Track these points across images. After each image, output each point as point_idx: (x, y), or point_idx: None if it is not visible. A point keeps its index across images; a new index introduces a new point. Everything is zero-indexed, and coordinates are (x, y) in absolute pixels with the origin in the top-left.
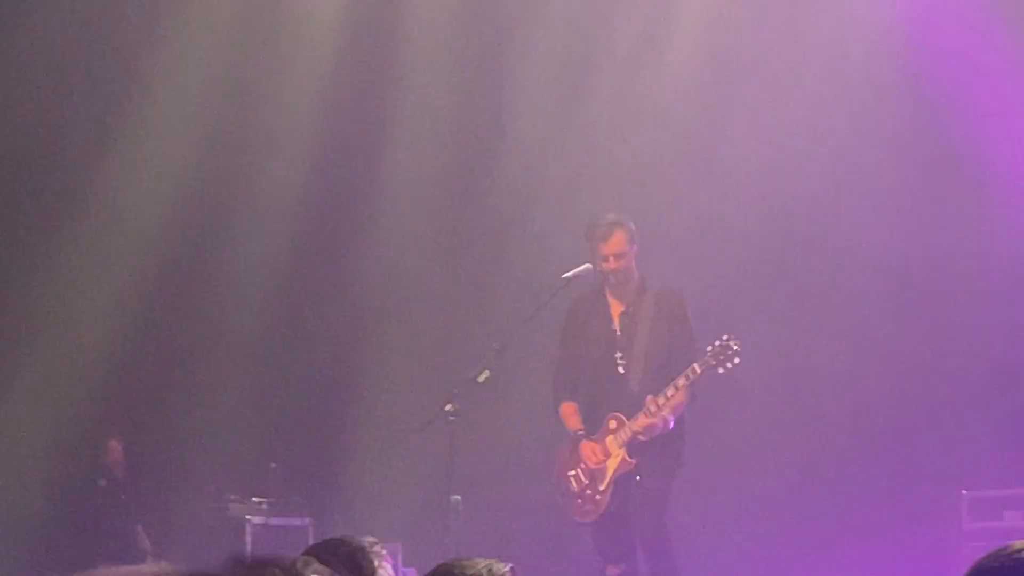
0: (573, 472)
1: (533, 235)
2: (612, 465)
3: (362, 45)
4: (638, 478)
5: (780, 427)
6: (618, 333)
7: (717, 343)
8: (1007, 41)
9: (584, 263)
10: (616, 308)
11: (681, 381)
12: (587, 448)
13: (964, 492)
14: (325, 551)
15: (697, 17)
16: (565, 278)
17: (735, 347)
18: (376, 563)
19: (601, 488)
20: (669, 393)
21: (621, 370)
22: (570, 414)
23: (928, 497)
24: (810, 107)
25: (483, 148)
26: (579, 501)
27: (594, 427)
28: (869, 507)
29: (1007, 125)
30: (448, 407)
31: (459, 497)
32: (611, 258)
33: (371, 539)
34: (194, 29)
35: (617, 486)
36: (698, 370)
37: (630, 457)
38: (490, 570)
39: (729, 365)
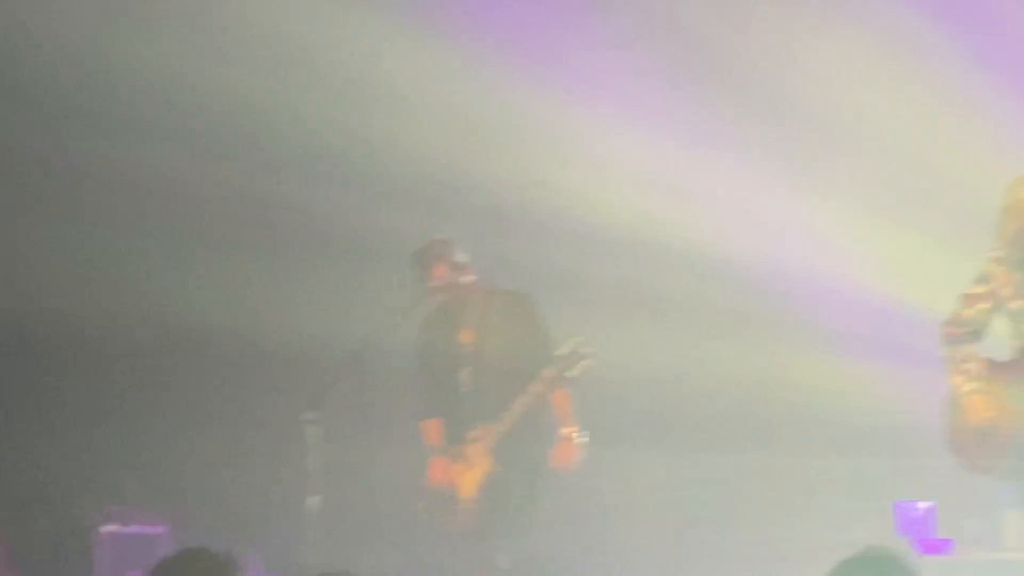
0: (434, 487)
1: (399, 239)
2: (474, 476)
3: None
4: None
5: (648, 430)
6: (466, 349)
7: (565, 349)
8: None
9: None
10: (462, 323)
11: (530, 389)
12: (439, 464)
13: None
14: (181, 565)
15: None
16: (429, 287)
17: (583, 351)
18: None
19: (464, 499)
20: (524, 400)
21: (472, 380)
22: (432, 430)
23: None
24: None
25: (347, 148)
26: (446, 516)
27: (454, 440)
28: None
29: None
30: (307, 412)
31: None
32: (435, 290)
33: (231, 549)
34: None
35: (485, 494)
36: (547, 376)
37: (495, 464)
38: None
39: (577, 371)
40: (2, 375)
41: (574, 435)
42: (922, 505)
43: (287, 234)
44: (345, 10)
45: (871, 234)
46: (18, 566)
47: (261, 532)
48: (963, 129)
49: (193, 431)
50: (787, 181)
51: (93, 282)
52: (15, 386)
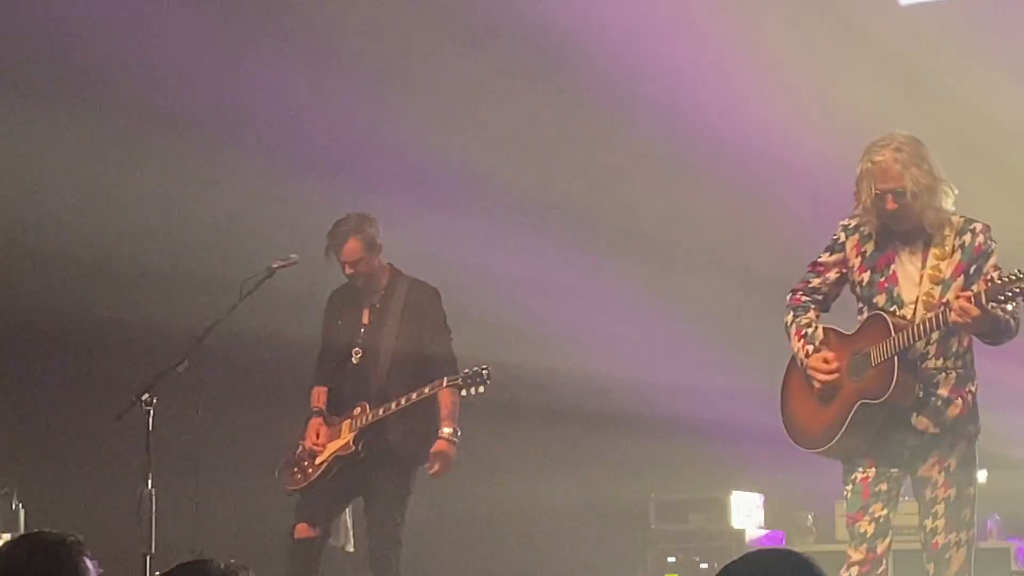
0: (301, 443)
1: (246, 226)
2: (333, 447)
3: None
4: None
5: (479, 429)
6: (364, 328)
7: (475, 368)
8: None
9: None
10: (366, 302)
11: (426, 390)
12: (314, 426)
13: (652, 495)
14: (20, 549)
15: None
16: (271, 268)
17: (485, 374)
18: (78, 561)
19: (316, 462)
20: (414, 396)
21: (364, 363)
22: (315, 396)
23: (620, 499)
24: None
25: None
26: (294, 470)
27: (339, 411)
28: (567, 506)
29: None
30: (144, 396)
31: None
32: (346, 265)
33: (73, 535)
34: None
35: (332, 465)
36: (444, 384)
37: (354, 444)
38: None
39: (474, 391)
40: None
41: (454, 435)
42: (754, 495)
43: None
44: None
45: None
46: None
47: (98, 516)
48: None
49: (28, 410)
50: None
51: None
52: None
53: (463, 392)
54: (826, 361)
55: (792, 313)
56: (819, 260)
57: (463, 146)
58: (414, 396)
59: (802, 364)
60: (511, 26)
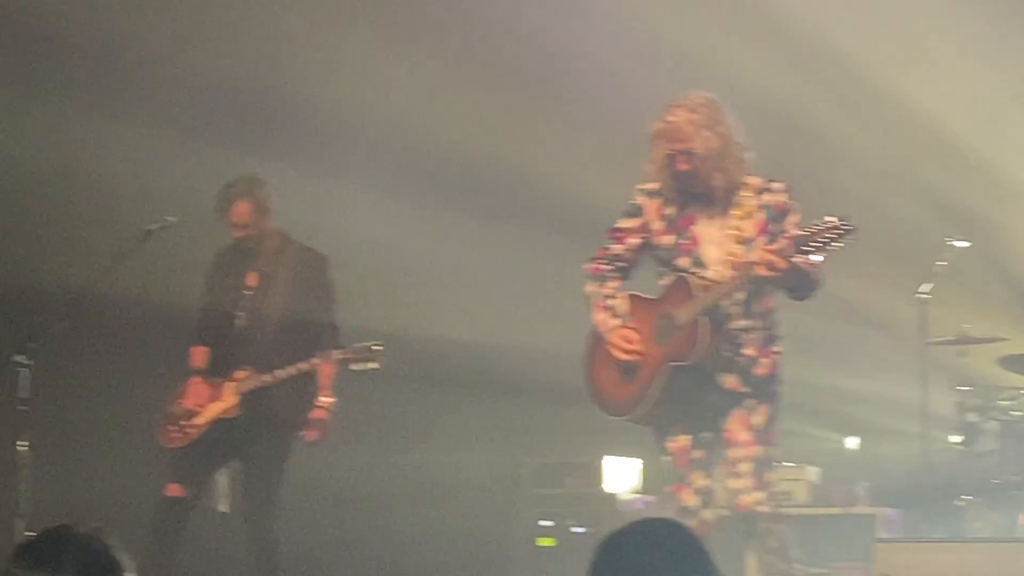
0: (179, 401)
1: (126, 189)
2: (216, 408)
3: None
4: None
5: (355, 397)
6: (250, 291)
7: (364, 344)
8: None
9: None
10: (253, 265)
11: (317, 361)
12: (195, 386)
13: (527, 460)
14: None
15: None
16: (148, 230)
17: (377, 349)
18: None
19: (196, 423)
20: (305, 366)
21: (249, 327)
22: (196, 355)
23: (496, 464)
24: None
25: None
26: (172, 428)
27: (220, 373)
28: (441, 472)
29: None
30: (19, 357)
31: None
32: (236, 227)
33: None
34: None
35: (213, 426)
36: (334, 356)
37: (239, 408)
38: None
39: (364, 366)
40: None
41: (330, 405)
42: (631, 460)
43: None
44: None
45: None
46: None
47: None
48: None
49: None
50: None
51: None
52: None
53: (353, 367)
54: (628, 340)
55: (593, 283)
56: (619, 226)
57: (352, 112)
58: (305, 366)
59: (605, 337)
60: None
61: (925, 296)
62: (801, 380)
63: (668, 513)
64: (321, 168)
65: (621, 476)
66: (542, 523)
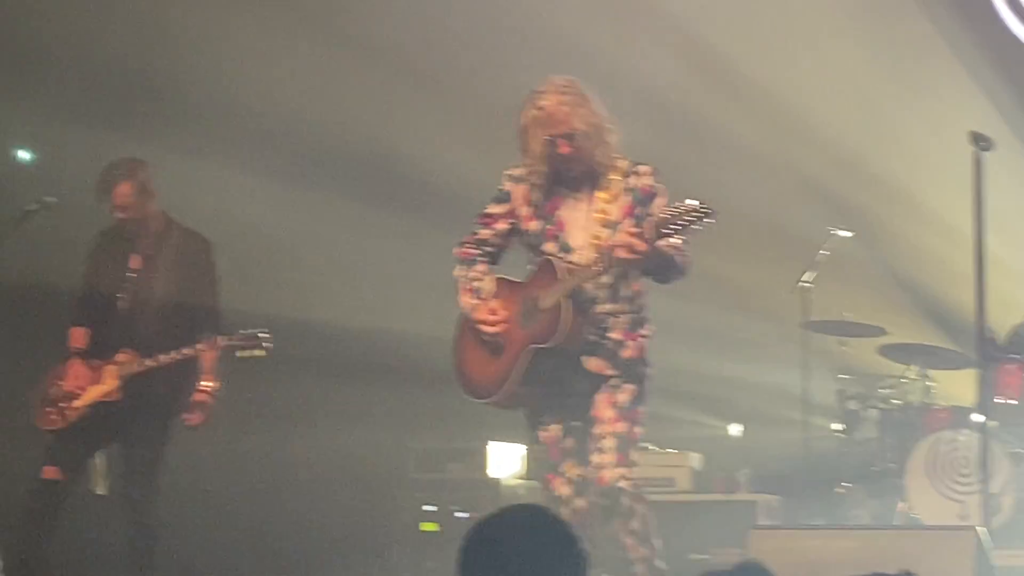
0: (58, 383)
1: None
2: (96, 391)
3: None
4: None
5: (240, 381)
6: (133, 273)
7: (249, 330)
8: None
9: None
10: (135, 248)
11: (200, 346)
12: (75, 368)
13: (412, 445)
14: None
15: None
16: (25, 211)
17: (263, 336)
18: None
19: (75, 405)
20: (189, 351)
21: (131, 309)
22: (75, 336)
23: (381, 449)
24: None
25: None
26: (50, 410)
27: (101, 355)
28: (326, 457)
29: None
30: None
31: None
32: (117, 209)
33: None
34: None
35: (93, 410)
36: (219, 343)
37: (121, 392)
38: None
39: (248, 353)
40: None
41: (212, 389)
42: (515, 446)
43: None
44: None
45: None
46: None
47: None
48: None
49: None
50: None
51: None
52: None
53: (238, 354)
54: (492, 312)
55: (460, 267)
56: (488, 211)
57: (235, 96)
58: (188, 351)
59: (470, 317)
60: None
61: (807, 284)
62: (684, 368)
63: (543, 502)
64: (204, 151)
65: (504, 462)
66: (426, 508)
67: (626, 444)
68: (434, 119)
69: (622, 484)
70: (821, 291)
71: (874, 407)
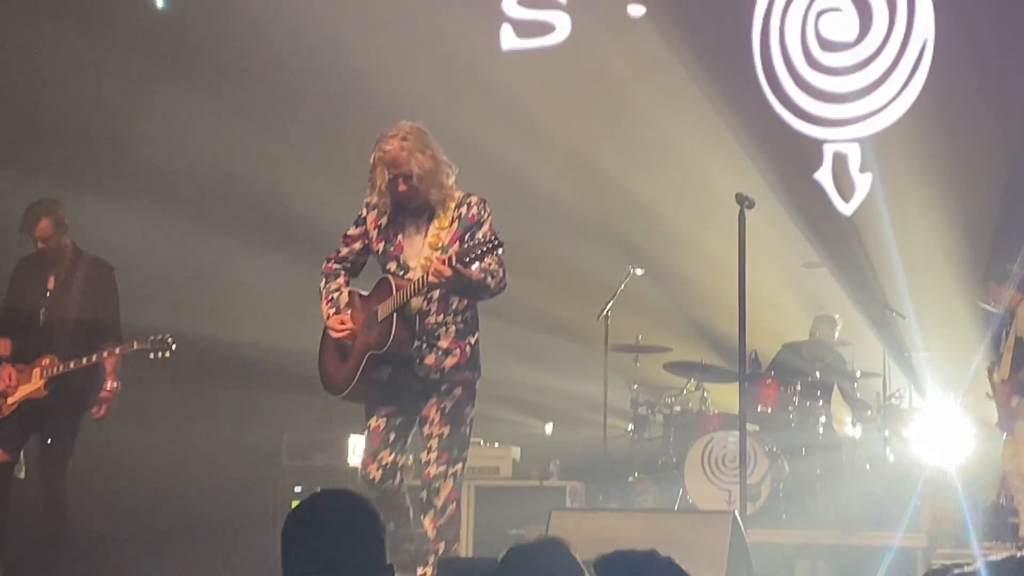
0: None
1: None
2: (25, 389)
3: None
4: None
5: (139, 383)
6: (50, 292)
7: (159, 336)
8: None
9: None
10: (52, 271)
11: (117, 351)
12: (6, 370)
13: (285, 434)
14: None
15: None
16: None
17: (171, 341)
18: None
19: (9, 401)
20: (105, 355)
21: (49, 322)
22: (1, 345)
23: (259, 441)
24: None
25: None
26: None
27: (24, 360)
28: (216, 447)
29: None
30: None
31: None
32: (39, 240)
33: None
34: None
35: (23, 404)
36: (134, 346)
37: (45, 389)
38: None
39: (159, 355)
40: None
41: (114, 389)
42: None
43: None
44: None
45: None
46: None
47: None
48: None
49: None
50: None
51: None
52: None
53: (151, 355)
54: (342, 322)
55: (324, 279)
56: (348, 233)
57: (128, 134)
58: (105, 355)
59: (326, 324)
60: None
61: (608, 312)
62: (509, 378)
63: (358, 483)
64: (109, 192)
65: (360, 452)
66: (296, 489)
67: (450, 444)
68: (314, 165)
69: (440, 483)
70: (620, 318)
71: (660, 412)
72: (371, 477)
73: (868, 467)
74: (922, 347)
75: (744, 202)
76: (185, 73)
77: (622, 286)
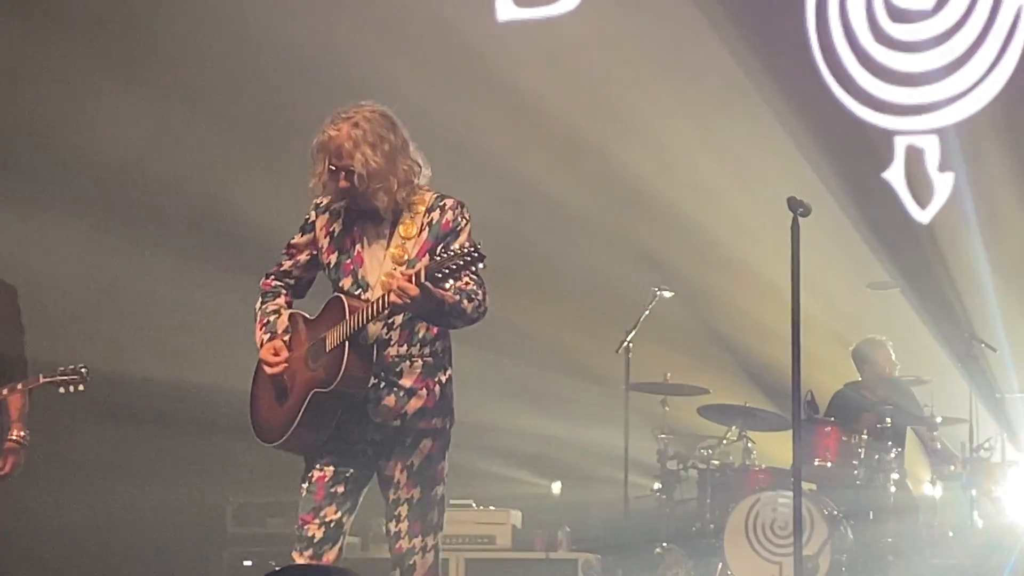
0: None
1: None
2: None
3: None
4: None
5: (55, 431)
6: None
7: (71, 366)
8: None
9: None
10: None
11: (19, 387)
12: None
13: (230, 499)
14: None
15: None
16: None
17: (84, 371)
18: None
19: None
20: (5, 392)
21: None
22: None
23: (198, 503)
24: None
25: None
26: None
27: None
28: (143, 509)
29: None
30: None
31: None
32: None
33: None
34: None
35: None
36: (40, 380)
37: None
38: None
39: (72, 388)
40: None
41: (24, 438)
42: None
43: None
44: None
45: None
46: None
47: None
48: None
49: None
50: None
51: None
52: None
53: (61, 390)
54: (275, 352)
55: (261, 299)
56: (292, 241)
57: (46, 144)
58: (5, 392)
59: (260, 355)
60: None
61: (630, 344)
62: (506, 426)
63: (295, 542)
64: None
65: None
66: (245, 563)
67: (424, 509)
68: (260, 178)
69: (416, 558)
70: (645, 351)
71: (694, 467)
72: (309, 535)
73: (951, 535)
74: (1017, 387)
75: (798, 208)
76: (103, 53)
77: (647, 311)
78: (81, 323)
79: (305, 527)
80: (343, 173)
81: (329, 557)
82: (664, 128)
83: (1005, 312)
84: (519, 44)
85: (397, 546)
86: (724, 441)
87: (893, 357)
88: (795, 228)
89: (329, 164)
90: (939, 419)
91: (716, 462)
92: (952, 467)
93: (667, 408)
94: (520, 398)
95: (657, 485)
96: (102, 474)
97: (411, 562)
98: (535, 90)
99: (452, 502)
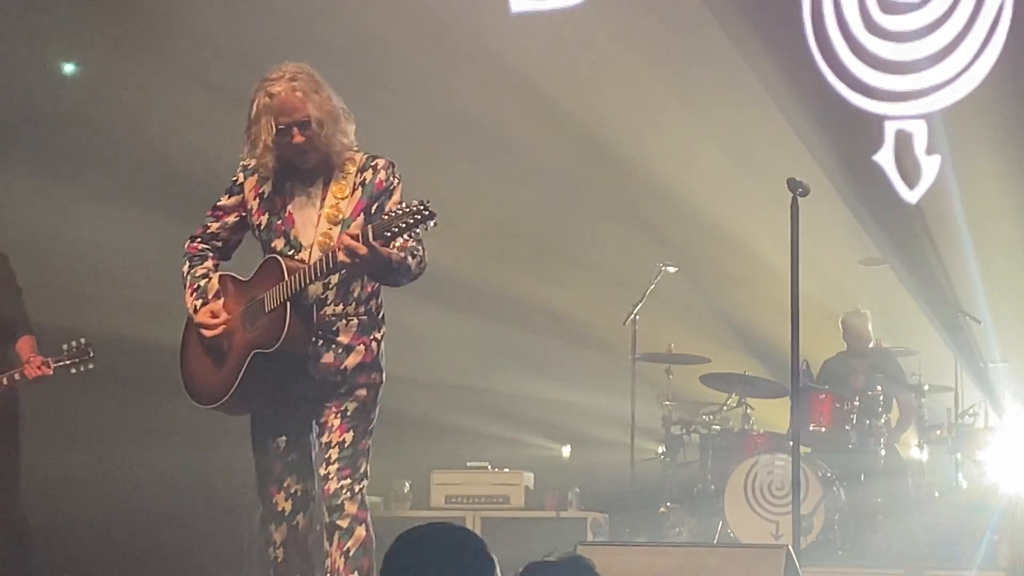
0: None
1: None
2: None
3: None
4: None
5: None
6: None
7: (74, 344)
8: None
9: None
10: None
11: (19, 374)
12: None
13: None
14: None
15: None
16: None
17: (91, 352)
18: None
19: None
20: (4, 381)
21: None
22: None
23: (227, 455)
24: None
25: None
26: None
27: None
28: (173, 470)
29: None
30: None
31: None
32: None
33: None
34: None
35: None
36: (51, 364)
37: None
38: None
39: (83, 368)
40: None
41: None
42: None
43: None
44: None
45: None
46: None
47: None
48: None
49: None
50: None
51: None
52: None
53: (73, 371)
54: (213, 315)
55: (188, 263)
56: (218, 203)
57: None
58: (16, 376)
59: (193, 319)
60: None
61: (636, 317)
62: (519, 392)
63: (263, 516)
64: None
65: None
66: None
67: (354, 455)
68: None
69: (345, 500)
70: (650, 323)
71: (696, 432)
72: (279, 509)
73: (937, 495)
74: (1000, 357)
75: (797, 189)
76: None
77: (652, 286)
78: (94, 289)
79: (273, 500)
80: (295, 128)
81: (302, 523)
82: (669, 110)
83: (988, 286)
84: (531, 33)
85: (326, 487)
86: (724, 407)
87: (869, 327)
88: (794, 207)
89: (278, 124)
90: (926, 387)
91: (717, 427)
92: (938, 432)
93: (671, 376)
94: (533, 367)
95: (661, 449)
96: (134, 440)
97: (339, 502)
98: (546, 77)
99: (469, 464)
